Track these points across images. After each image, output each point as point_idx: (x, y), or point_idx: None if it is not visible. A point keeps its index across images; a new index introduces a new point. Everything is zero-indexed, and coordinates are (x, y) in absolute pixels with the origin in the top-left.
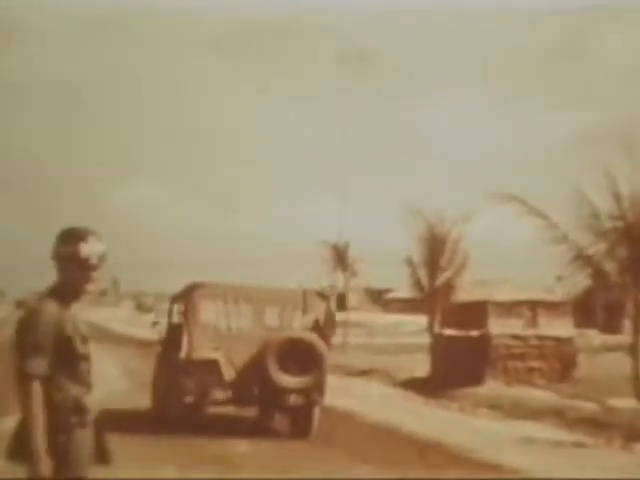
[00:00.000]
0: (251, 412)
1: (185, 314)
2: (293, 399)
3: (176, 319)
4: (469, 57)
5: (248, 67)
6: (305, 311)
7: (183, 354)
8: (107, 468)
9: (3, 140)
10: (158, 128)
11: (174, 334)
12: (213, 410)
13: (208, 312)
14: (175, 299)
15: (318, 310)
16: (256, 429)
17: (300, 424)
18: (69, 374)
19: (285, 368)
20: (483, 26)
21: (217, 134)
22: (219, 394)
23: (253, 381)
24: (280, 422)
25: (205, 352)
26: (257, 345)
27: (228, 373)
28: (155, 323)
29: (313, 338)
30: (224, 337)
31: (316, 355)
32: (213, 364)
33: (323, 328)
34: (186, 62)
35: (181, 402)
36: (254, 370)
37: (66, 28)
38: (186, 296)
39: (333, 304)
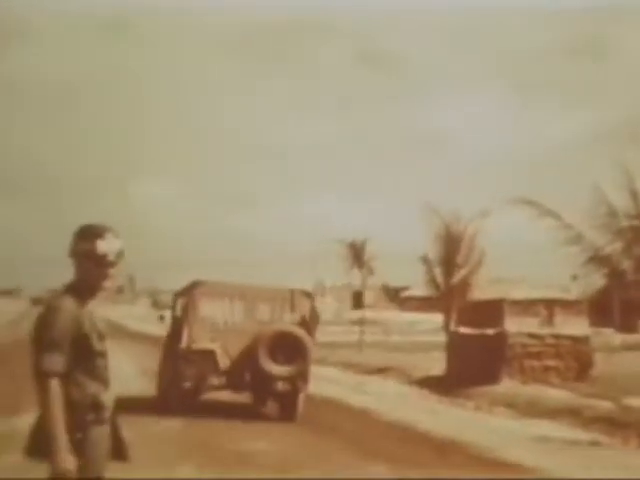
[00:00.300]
0: (246, 399)
1: (186, 309)
2: (280, 385)
3: (179, 314)
4: (482, 56)
5: (251, 67)
6: (293, 308)
7: (184, 344)
8: (124, 465)
9: (16, 144)
10: (162, 128)
11: (177, 327)
12: (212, 396)
13: (207, 308)
14: (178, 295)
15: (304, 307)
16: (249, 413)
17: (287, 409)
18: (86, 371)
19: (274, 358)
20: (497, 26)
21: (224, 133)
22: (215, 380)
23: (245, 369)
24: (270, 407)
25: (203, 343)
26: (249, 337)
27: (223, 362)
28: (162, 317)
29: (299, 332)
30: (221, 330)
31: (301, 347)
32: (210, 354)
33: (308, 323)
34: (187, 62)
35: (181, 387)
36: (246, 359)
37: (71, 28)
38: (187, 293)
39: (349, 302)
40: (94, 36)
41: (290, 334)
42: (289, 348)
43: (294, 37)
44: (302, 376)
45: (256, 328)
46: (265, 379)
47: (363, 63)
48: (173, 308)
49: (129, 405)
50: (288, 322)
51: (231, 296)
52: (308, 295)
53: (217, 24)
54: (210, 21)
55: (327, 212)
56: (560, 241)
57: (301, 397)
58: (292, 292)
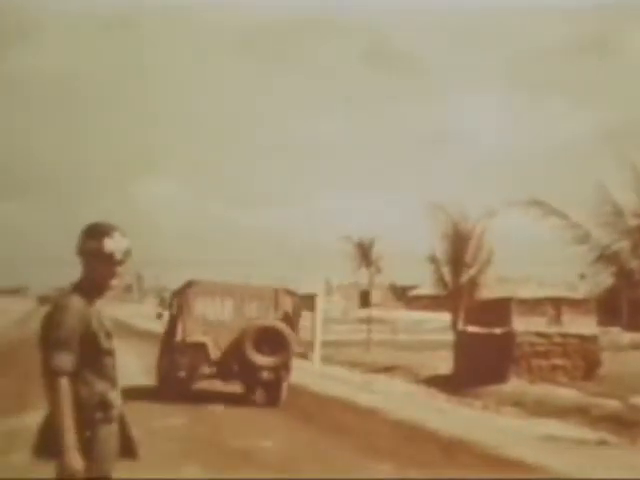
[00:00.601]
0: (237, 388)
1: (181, 306)
2: (265, 375)
3: (175, 311)
4: (489, 55)
5: (253, 66)
6: (277, 305)
7: (179, 338)
8: (131, 468)
9: (22, 143)
10: (164, 127)
11: (173, 323)
12: (206, 386)
13: (200, 305)
14: (175, 295)
15: (287, 304)
16: (238, 400)
17: (272, 396)
18: (94, 370)
19: (259, 350)
20: (500, 25)
21: (226, 132)
22: (206, 370)
23: (234, 360)
24: (258, 395)
25: (196, 336)
26: (238, 331)
27: (214, 353)
28: (160, 314)
29: (282, 327)
30: (212, 325)
31: (284, 340)
32: (202, 346)
33: (291, 319)
34: (190, 61)
35: (177, 376)
36: (235, 351)
37: (72, 28)
38: (182, 292)
39: (357, 300)
40: (95, 36)
41: (274, 328)
42: (273, 341)
43: (297, 36)
44: (285, 366)
45: (244, 323)
46: (251, 369)
47: (367, 62)
48: (170, 306)
49: (130, 394)
50: (272, 318)
51: (222, 294)
52: (291, 293)
53: (219, 22)
54: (213, 19)
55: (334, 211)
56: (567, 240)
57: (284, 385)
58: (276, 291)
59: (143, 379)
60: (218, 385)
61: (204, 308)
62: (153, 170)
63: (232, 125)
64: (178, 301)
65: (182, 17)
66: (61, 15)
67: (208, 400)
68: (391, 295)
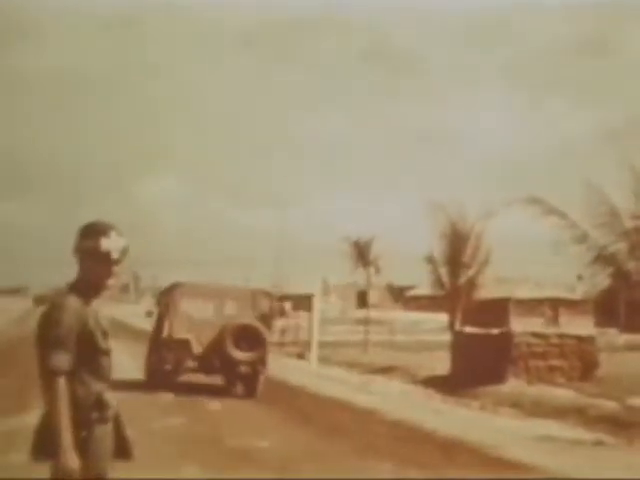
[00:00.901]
0: (218, 381)
1: (167, 306)
2: (244, 369)
3: (162, 310)
4: (489, 55)
5: (262, 64)
6: (254, 305)
7: (165, 334)
8: (130, 469)
9: (22, 143)
10: (164, 126)
11: (160, 321)
12: (192, 379)
13: (184, 304)
14: (162, 294)
15: (264, 304)
16: (219, 392)
17: (249, 388)
18: (91, 369)
19: (238, 346)
20: (503, 25)
21: (227, 131)
22: (190, 364)
23: (215, 355)
24: (238, 388)
25: (181, 333)
26: (218, 329)
27: (197, 349)
28: (150, 313)
29: (259, 325)
30: (195, 323)
31: (260, 337)
32: (186, 342)
33: (267, 318)
34: (198, 59)
35: (162, 370)
36: (216, 347)
37: (73, 27)
38: (169, 293)
39: (354, 301)
40: (95, 35)
41: (251, 327)
42: (250, 338)
43: (297, 35)
44: (261, 361)
45: (224, 321)
46: (231, 363)
47: (367, 61)
48: (159, 305)
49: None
50: (250, 317)
51: (205, 295)
52: (267, 294)
53: (219, 21)
54: (213, 18)
55: (333, 211)
56: (566, 240)
57: (261, 378)
58: (254, 292)
59: (134, 374)
60: (201, 378)
61: (188, 307)
62: (153, 170)
63: (232, 124)
64: (165, 301)
65: (182, 16)
66: (61, 15)
67: (192, 392)
68: (388, 295)
